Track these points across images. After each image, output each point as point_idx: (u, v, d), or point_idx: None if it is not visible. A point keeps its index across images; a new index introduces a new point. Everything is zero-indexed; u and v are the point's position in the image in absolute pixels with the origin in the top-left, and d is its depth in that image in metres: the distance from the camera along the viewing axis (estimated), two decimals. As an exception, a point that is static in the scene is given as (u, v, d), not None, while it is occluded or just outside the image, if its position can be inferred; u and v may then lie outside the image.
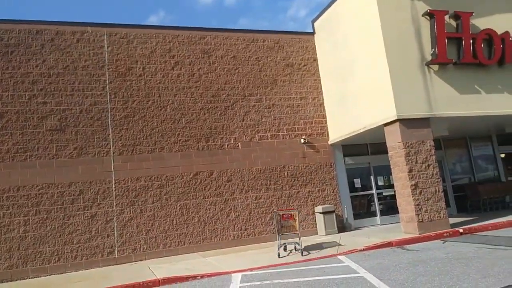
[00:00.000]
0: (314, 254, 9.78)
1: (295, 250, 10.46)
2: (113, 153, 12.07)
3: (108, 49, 12.66)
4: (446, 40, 11.92)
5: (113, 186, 11.89)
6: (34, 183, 11.22)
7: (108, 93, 12.35)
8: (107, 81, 12.43)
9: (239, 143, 13.43)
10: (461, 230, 11.01)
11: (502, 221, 11.79)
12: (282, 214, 10.55)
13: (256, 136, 13.67)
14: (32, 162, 11.31)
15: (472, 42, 12.32)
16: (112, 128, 12.19)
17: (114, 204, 11.81)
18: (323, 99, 14.73)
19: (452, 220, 12.29)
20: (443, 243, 9.92)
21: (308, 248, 10.56)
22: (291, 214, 10.54)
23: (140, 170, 12.21)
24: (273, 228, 13.10)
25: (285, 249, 10.55)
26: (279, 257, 9.78)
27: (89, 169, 11.75)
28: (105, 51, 12.62)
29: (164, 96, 12.90)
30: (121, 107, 12.40)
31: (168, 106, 12.89)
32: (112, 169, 11.96)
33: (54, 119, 11.71)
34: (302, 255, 9.80)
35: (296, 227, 10.32)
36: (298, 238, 10.32)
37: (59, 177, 11.46)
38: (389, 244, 10.21)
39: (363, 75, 12.58)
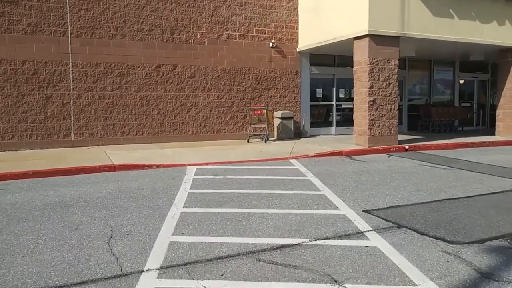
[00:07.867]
0: (269, 155, 10.22)
1: (262, 139, 13.07)
2: (71, 34, 11.38)
3: None
4: (431, -45, 11.47)
5: (70, 69, 11.43)
6: (-16, 56, 10.59)
7: (66, -34, 11.24)
8: (66, -48, 11.23)
9: (206, 40, 12.99)
10: (406, 147, 11.74)
11: (446, 142, 12.62)
12: (254, 109, 13.05)
13: (224, 34, 13.22)
14: (-19, 33, 10.53)
15: (457, -39, 11.94)
16: (70, 7, 11.33)
17: (71, 87, 11.47)
18: (298, 4, 14.19)
19: (401, 137, 13.02)
20: (388, 157, 10.61)
21: (264, 148, 11.00)
22: (261, 110, 13.04)
23: (99, 56, 11.71)
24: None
25: (248, 141, 12.89)
26: (248, 142, 12.81)
27: (44, 48, 11.13)
28: None
29: (129, -23, 11.93)
30: (81, -16, 11.42)
31: (133, -11, 12.00)
32: (70, 51, 11.39)
33: (5, -12, 10.69)
34: (265, 142, 12.73)
35: (264, 120, 13.01)
36: (265, 130, 13.05)
37: (12, 53, 10.82)
38: (339, 153, 10.79)
39: (341, -18, 12.07)
